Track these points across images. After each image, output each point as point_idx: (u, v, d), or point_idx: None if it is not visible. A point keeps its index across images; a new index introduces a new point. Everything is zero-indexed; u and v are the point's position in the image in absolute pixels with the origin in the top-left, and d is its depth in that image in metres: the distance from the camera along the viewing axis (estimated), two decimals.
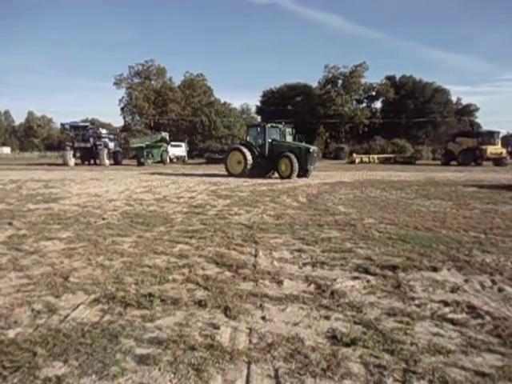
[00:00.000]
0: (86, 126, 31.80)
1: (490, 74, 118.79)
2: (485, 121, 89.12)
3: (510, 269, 3.75)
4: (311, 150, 16.07)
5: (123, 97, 59.87)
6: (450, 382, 1.93)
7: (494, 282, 3.40)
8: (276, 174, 16.84)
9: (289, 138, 17.43)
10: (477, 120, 61.40)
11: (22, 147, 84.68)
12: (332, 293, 3.09)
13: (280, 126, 17.71)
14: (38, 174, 18.16)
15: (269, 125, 17.15)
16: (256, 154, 16.49)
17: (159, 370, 2.04)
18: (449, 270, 3.73)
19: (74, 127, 31.20)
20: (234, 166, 16.98)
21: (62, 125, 33.70)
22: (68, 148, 30.06)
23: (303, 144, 16.93)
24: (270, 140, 16.55)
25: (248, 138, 17.45)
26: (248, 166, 16.30)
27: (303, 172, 16.13)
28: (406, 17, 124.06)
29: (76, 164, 29.99)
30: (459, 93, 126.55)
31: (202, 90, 62.17)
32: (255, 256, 4.18)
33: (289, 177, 15.58)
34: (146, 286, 3.23)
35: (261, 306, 2.87)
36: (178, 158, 39.12)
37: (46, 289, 3.15)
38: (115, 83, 60.07)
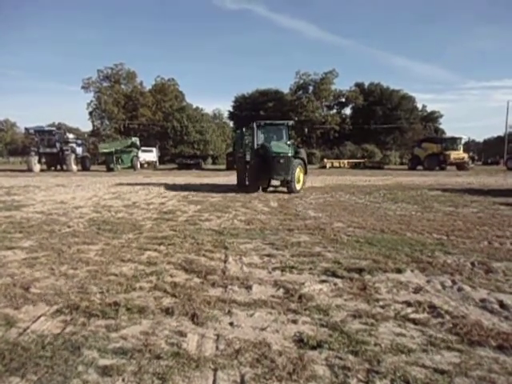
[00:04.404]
0: (52, 131, 30.73)
1: (453, 83, 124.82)
2: (448, 127, 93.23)
3: (469, 269, 3.92)
4: (274, 154, 11.52)
5: (92, 101, 58.48)
6: (410, 380, 1.99)
7: (454, 281, 3.54)
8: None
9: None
10: (441, 126, 64.54)
11: None
12: (300, 297, 3.12)
13: (287, 122, 13.55)
14: None
15: (262, 123, 13.22)
16: (258, 160, 12.24)
17: (123, 380, 1.99)
18: (412, 271, 3.85)
19: (39, 132, 30.10)
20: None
21: (27, 129, 32.43)
22: (33, 153, 29.02)
23: (275, 145, 12.17)
24: (260, 143, 12.83)
25: (255, 143, 13.03)
26: (248, 175, 12.84)
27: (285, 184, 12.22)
28: (374, 26, 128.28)
29: (41, 170, 28.96)
30: (424, 100, 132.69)
31: (174, 95, 61.66)
32: (225, 262, 4.17)
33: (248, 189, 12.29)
34: (111, 294, 3.15)
35: (229, 311, 2.86)
36: (148, 163, 38.58)
37: (4, 301, 3.01)
38: (83, 87, 58.69)
